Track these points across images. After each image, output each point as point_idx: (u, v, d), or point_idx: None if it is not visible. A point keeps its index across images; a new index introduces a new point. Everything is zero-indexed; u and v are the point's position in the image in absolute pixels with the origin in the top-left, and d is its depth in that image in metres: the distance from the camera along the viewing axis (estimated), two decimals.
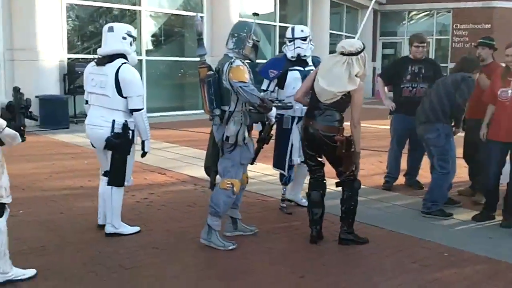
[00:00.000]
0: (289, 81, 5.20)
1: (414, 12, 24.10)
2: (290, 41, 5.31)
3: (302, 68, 5.22)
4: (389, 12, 24.23)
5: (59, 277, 3.67)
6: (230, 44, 4.31)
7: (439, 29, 23.54)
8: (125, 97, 4.33)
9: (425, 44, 6.31)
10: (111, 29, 4.43)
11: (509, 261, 4.14)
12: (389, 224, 5.00)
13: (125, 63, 4.36)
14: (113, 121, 4.31)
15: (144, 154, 4.54)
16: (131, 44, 4.47)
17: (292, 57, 5.26)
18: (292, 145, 5.27)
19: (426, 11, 23.76)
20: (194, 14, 15.19)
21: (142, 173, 6.80)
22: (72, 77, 11.55)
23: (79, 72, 10.56)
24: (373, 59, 24.03)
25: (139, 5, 13.59)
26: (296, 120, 5.23)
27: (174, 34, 15.85)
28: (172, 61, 14.95)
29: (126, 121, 4.35)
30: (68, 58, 11.99)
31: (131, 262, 3.96)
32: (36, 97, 10.91)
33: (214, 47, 14.60)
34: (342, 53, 4.26)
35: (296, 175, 5.57)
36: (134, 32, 4.55)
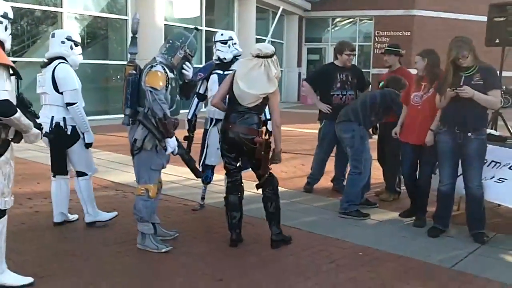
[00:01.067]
0: (209, 84, 5.37)
1: (338, 19, 24.75)
2: (214, 45, 5.43)
3: (221, 72, 5.32)
4: (314, 19, 24.81)
5: None
6: (163, 49, 4.34)
7: (362, 36, 24.29)
8: (61, 93, 4.66)
9: (355, 52, 6.55)
10: (53, 35, 4.89)
11: (420, 259, 4.33)
12: (307, 225, 5.13)
13: (61, 62, 4.73)
14: (52, 117, 4.65)
15: (87, 145, 4.83)
16: (72, 48, 4.83)
17: (215, 60, 5.37)
18: (207, 146, 5.43)
19: (350, 18, 24.46)
20: (118, 16, 15.32)
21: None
22: None
23: None
24: (299, 65, 24.51)
25: (61, 7, 13.21)
26: (214, 122, 5.34)
27: (98, 36, 15.54)
28: (96, 64, 14.62)
29: (64, 117, 4.67)
30: None
31: (44, 271, 3.85)
32: None
33: (139, 52, 14.43)
34: (258, 56, 4.35)
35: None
36: (75, 36, 4.90)
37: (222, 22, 19.40)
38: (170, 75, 4.23)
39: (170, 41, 4.36)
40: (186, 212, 5.49)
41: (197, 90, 5.50)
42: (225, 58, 5.34)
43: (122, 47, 14.34)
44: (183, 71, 4.40)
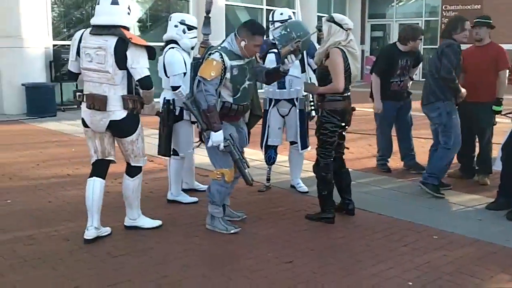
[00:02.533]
0: (266, 63, 5.15)
1: None
2: (271, 24, 5.32)
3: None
4: None
5: (47, 266, 3.63)
6: (276, 33, 4.20)
7: (428, 11, 23.40)
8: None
9: (422, 37, 6.27)
10: (169, 18, 5.07)
11: (497, 243, 4.13)
12: (378, 208, 4.99)
13: (171, 47, 4.95)
14: (164, 98, 4.96)
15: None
16: (184, 31, 4.96)
17: (273, 39, 5.21)
18: (268, 126, 5.35)
19: None
20: None
21: None
22: (58, 64, 11.32)
23: (65, 59, 10.36)
24: (362, 42, 23.92)
25: None
26: (273, 102, 5.27)
27: (160, 19, 15.62)
28: (159, 47, 14.70)
29: (174, 99, 4.92)
30: (54, 45, 11.78)
31: (117, 250, 3.92)
32: (22, 85, 10.79)
33: (199, 32, 14.45)
34: (349, 29, 4.42)
35: (289, 159, 5.59)
36: (188, 20, 5.00)
37: (284, 0, 19.15)
38: (233, 62, 4.01)
39: (288, 30, 4.23)
40: (252, 194, 5.45)
41: None
42: None
43: None
44: (285, 61, 4.14)
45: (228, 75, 4.00)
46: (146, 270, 3.59)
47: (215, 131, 3.96)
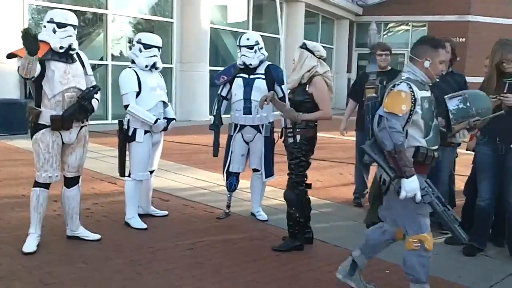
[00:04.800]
0: (233, 87, 5.15)
1: (390, 24, 24.16)
2: (238, 49, 5.20)
3: (246, 76, 5.12)
4: (365, 24, 24.22)
5: None
6: (452, 104, 3.44)
7: (415, 42, 23.51)
8: None
9: (388, 52, 5.83)
10: None
11: (450, 279, 3.98)
12: (337, 239, 4.83)
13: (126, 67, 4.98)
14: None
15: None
16: (140, 50, 4.89)
17: (239, 64, 5.14)
18: (232, 152, 5.23)
19: (402, 24, 23.82)
20: (163, 19, 15.31)
21: (90, 182, 6.56)
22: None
23: None
24: (349, 70, 24.02)
25: (106, 9, 13.31)
26: (238, 127, 5.16)
27: None
28: None
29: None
30: None
31: (51, 278, 3.71)
32: None
33: (183, 55, 14.43)
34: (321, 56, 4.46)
35: (251, 186, 5.45)
36: (144, 39, 4.94)
37: (270, 26, 19.19)
38: (422, 93, 3.30)
39: (467, 104, 3.40)
40: (209, 220, 5.28)
41: (218, 92, 5.31)
42: (251, 64, 5.10)
43: (168, 51, 14.29)
44: (457, 135, 3.49)
45: (418, 108, 3.26)
46: None
47: (408, 177, 3.14)
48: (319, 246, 4.64)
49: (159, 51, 4.97)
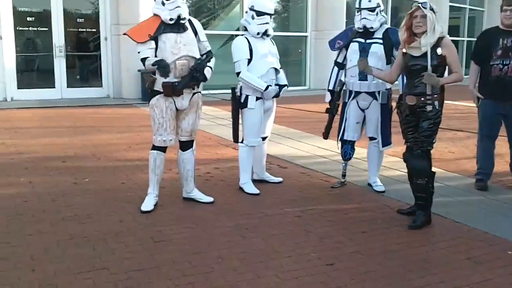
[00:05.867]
0: (349, 52, 4.98)
1: None
2: (357, 11, 4.98)
3: (363, 40, 4.90)
4: None
5: (89, 246, 3.70)
6: None
7: None
8: None
9: None
10: None
11: None
12: (457, 214, 4.50)
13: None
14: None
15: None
16: (253, 17, 4.89)
17: (358, 28, 4.93)
18: (346, 120, 5.08)
19: None
20: None
21: (215, 148, 6.78)
22: None
23: None
24: None
25: None
26: (353, 94, 5.00)
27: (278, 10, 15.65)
28: (276, 37, 14.69)
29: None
30: None
31: (162, 236, 3.91)
32: (139, 71, 11.22)
33: (318, 22, 14.22)
34: None
35: (367, 155, 5.29)
36: (257, 6, 4.90)
37: None
38: None
39: None
40: (323, 189, 5.21)
41: (335, 59, 5.16)
42: (372, 28, 4.88)
43: (302, 20, 14.16)
44: None
45: None
46: (179, 258, 3.52)
47: None
48: (436, 220, 4.36)
49: (271, 18, 4.95)
